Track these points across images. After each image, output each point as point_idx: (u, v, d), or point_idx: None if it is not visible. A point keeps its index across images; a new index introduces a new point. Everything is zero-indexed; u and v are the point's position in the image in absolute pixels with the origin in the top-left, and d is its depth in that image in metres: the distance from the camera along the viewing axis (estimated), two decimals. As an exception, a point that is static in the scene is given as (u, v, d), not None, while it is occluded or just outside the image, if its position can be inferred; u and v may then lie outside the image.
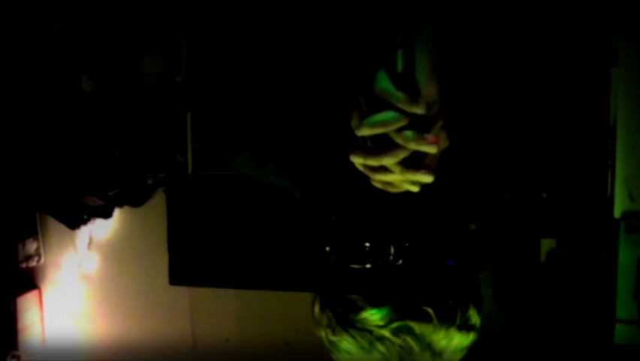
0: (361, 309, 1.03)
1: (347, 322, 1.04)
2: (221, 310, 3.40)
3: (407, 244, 1.05)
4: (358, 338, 1.03)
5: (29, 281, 3.55)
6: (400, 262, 1.04)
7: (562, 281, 2.64)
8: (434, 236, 1.08)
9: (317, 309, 1.11)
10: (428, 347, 1.02)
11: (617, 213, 2.28)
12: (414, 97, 0.86)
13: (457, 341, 1.05)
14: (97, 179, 3.18)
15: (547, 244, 2.63)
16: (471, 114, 1.01)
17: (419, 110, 0.86)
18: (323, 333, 1.09)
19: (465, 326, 1.06)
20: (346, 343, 1.05)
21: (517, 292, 2.73)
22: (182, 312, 3.43)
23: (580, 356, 2.71)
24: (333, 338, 1.06)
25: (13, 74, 3.16)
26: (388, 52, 0.87)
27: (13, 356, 3.35)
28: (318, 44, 1.10)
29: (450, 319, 1.03)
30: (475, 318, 1.08)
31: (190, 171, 3.13)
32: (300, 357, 3.18)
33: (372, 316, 1.02)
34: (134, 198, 3.32)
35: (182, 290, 3.37)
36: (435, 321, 1.02)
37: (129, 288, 3.50)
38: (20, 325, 3.40)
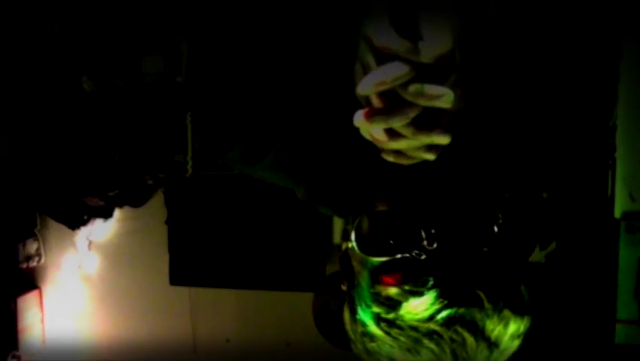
0: (401, 303, 0.90)
1: (386, 321, 0.91)
2: (221, 311, 3.40)
3: (435, 229, 0.93)
4: (402, 338, 0.90)
5: (30, 281, 3.55)
6: (435, 245, 0.92)
7: (562, 281, 2.64)
8: (465, 215, 0.98)
9: (348, 318, 0.99)
10: (483, 336, 0.91)
11: (617, 214, 2.27)
12: (418, 44, 0.74)
13: (512, 326, 0.96)
14: (97, 179, 3.18)
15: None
16: (472, 114, 1.00)
17: (425, 59, 0.75)
18: (359, 345, 0.96)
19: (519, 309, 0.96)
20: (388, 347, 0.92)
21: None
22: (182, 312, 3.43)
23: (580, 356, 2.71)
24: (372, 346, 0.93)
25: (14, 74, 3.16)
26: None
27: (14, 356, 3.35)
28: (320, 40, 1.08)
29: (502, 301, 0.92)
30: (527, 297, 0.98)
31: (190, 171, 3.12)
32: (300, 357, 3.18)
33: (416, 308, 0.89)
34: (134, 199, 3.32)
35: (182, 290, 3.37)
36: (487, 305, 0.90)
37: (129, 288, 3.50)
38: (21, 325, 3.40)
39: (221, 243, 3.16)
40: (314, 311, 3.01)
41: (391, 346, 0.91)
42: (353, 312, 0.96)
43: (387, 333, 0.91)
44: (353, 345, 0.97)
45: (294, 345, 3.25)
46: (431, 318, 0.89)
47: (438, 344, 0.89)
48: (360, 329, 0.94)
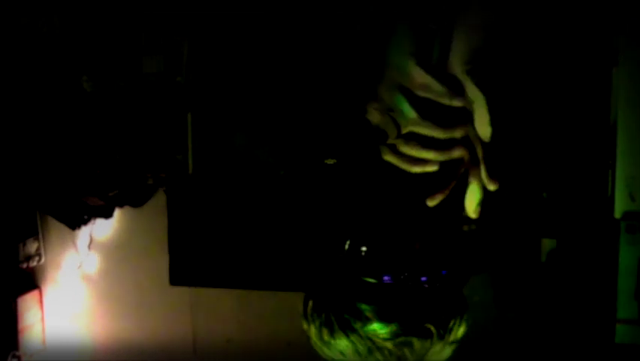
0: (370, 320, 1.05)
1: (350, 328, 1.06)
2: (222, 311, 3.40)
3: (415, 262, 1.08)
4: (358, 344, 1.06)
5: (30, 281, 3.55)
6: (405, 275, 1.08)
7: (562, 281, 2.64)
8: (431, 244, 1.12)
9: (311, 305, 1.13)
10: (421, 359, 1.07)
11: (617, 214, 2.28)
12: (453, 89, 0.83)
13: (446, 353, 1.11)
14: (97, 179, 3.18)
15: (547, 244, 2.63)
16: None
17: (458, 103, 0.84)
18: (314, 330, 1.10)
19: (455, 341, 1.12)
20: (344, 345, 1.07)
21: (518, 292, 2.73)
22: (182, 312, 3.43)
23: (580, 356, 2.72)
24: (329, 338, 1.08)
25: (14, 74, 3.16)
26: (420, 41, 0.84)
27: (14, 356, 3.35)
28: (320, 40, 1.10)
29: (446, 335, 1.09)
30: (462, 331, 1.13)
31: (191, 171, 3.13)
32: (301, 357, 3.17)
33: (381, 329, 1.05)
34: (134, 198, 3.32)
35: (182, 290, 3.37)
36: (435, 338, 1.07)
37: (130, 288, 3.50)
38: (21, 325, 3.40)
39: (221, 243, 3.16)
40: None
41: (346, 346, 1.06)
42: (321, 305, 1.11)
43: (347, 336, 1.07)
44: (305, 325, 1.12)
45: (295, 345, 3.25)
46: (389, 339, 1.05)
47: (385, 358, 1.06)
48: (322, 320, 1.09)
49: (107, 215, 3.41)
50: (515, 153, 1.31)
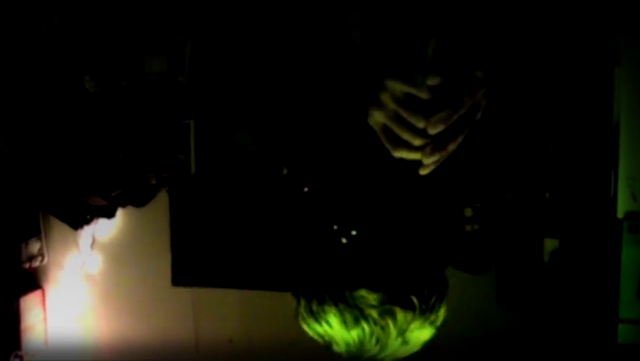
0: (359, 287, 1.09)
1: (340, 296, 1.10)
2: (224, 311, 3.41)
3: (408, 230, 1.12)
4: (346, 313, 1.09)
5: (32, 281, 3.55)
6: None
7: (565, 281, 2.64)
8: (422, 225, 1.15)
9: (300, 278, 1.17)
10: (402, 333, 1.10)
11: (620, 214, 2.28)
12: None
13: (425, 333, 1.14)
14: (100, 179, 3.18)
15: (550, 244, 2.63)
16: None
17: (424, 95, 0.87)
18: (303, 302, 1.15)
19: (435, 322, 1.15)
20: (331, 315, 1.11)
21: (521, 291, 2.73)
22: (185, 312, 3.43)
23: (583, 356, 2.72)
24: (317, 309, 1.12)
25: (16, 74, 3.17)
26: (420, 39, 0.87)
27: (16, 356, 3.35)
28: (321, 41, 1.11)
29: (428, 312, 1.12)
30: (441, 318, 1.17)
31: (193, 171, 3.13)
32: (303, 357, 3.17)
33: (369, 295, 1.08)
34: (137, 199, 3.33)
35: (185, 291, 3.38)
36: (417, 311, 1.10)
37: (132, 288, 3.50)
38: (23, 325, 3.40)
39: (224, 243, 3.16)
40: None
41: (334, 315, 1.10)
42: (311, 276, 1.15)
43: (336, 305, 1.10)
44: (294, 299, 1.18)
45: (297, 345, 3.25)
46: (375, 306, 1.08)
47: (370, 327, 1.09)
48: (312, 291, 1.14)
49: (110, 215, 3.42)
50: (518, 154, 1.31)
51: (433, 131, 0.89)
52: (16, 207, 3.36)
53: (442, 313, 1.16)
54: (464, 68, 0.88)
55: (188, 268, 3.26)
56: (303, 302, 1.15)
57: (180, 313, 3.45)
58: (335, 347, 1.14)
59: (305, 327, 1.17)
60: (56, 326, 3.59)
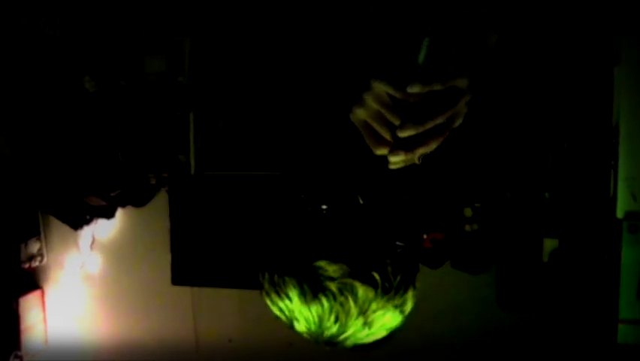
0: (319, 258, 1.09)
1: (300, 267, 1.10)
2: (223, 311, 3.41)
3: (366, 198, 1.13)
4: (305, 285, 1.09)
5: (32, 281, 3.55)
6: (362, 201, 1.11)
7: (564, 281, 2.64)
8: (390, 211, 1.16)
9: (270, 253, 1.19)
10: (364, 313, 1.08)
11: (619, 214, 2.27)
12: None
13: (388, 317, 1.11)
14: (99, 179, 3.18)
15: (550, 244, 2.63)
16: (475, 115, 1.02)
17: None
18: (267, 275, 1.16)
19: (400, 307, 1.12)
20: (291, 287, 1.11)
21: (520, 291, 2.73)
22: (184, 312, 3.43)
23: (582, 356, 2.72)
24: (279, 281, 1.13)
25: (16, 74, 3.16)
26: (414, 41, 0.88)
27: (16, 356, 3.35)
28: (321, 40, 1.11)
29: (391, 293, 1.10)
30: (410, 305, 1.14)
31: (193, 171, 3.13)
32: (303, 357, 3.17)
33: (329, 266, 1.07)
34: (136, 199, 3.33)
35: (184, 290, 3.38)
36: (379, 290, 1.08)
37: (132, 288, 3.50)
38: (23, 325, 3.40)
39: (223, 243, 3.16)
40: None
41: (294, 286, 1.10)
42: (278, 249, 1.18)
43: (295, 276, 1.11)
44: (261, 278, 1.19)
45: (297, 345, 3.25)
46: (334, 279, 1.07)
47: (329, 302, 1.07)
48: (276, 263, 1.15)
49: (109, 215, 3.42)
50: (517, 154, 1.31)
51: (401, 134, 0.89)
52: (16, 208, 3.36)
53: (409, 298, 1.14)
54: (448, 76, 0.88)
55: (188, 267, 3.26)
56: (266, 276, 1.17)
57: (180, 313, 3.45)
58: (296, 325, 1.13)
59: (268, 303, 1.17)
60: (56, 326, 3.59)
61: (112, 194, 3.25)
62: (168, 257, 3.26)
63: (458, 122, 0.93)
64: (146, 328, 3.50)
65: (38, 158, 3.23)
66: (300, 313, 1.10)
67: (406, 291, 1.12)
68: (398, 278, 1.11)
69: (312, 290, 1.08)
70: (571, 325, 2.74)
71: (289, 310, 1.12)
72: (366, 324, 1.09)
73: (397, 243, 1.14)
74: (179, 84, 3.05)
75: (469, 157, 1.15)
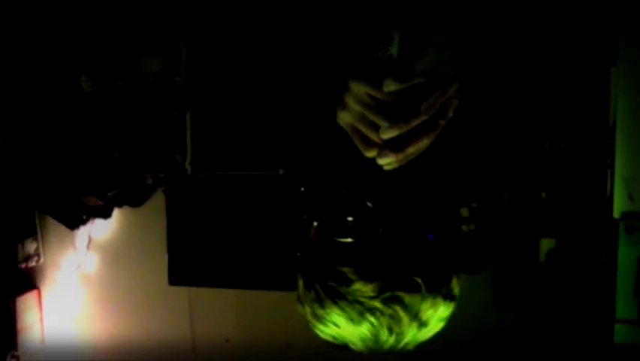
0: (352, 281, 1.06)
1: (337, 294, 1.06)
2: (220, 311, 3.40)
3: (388, 217, 1.08)
4: (348, 309, 1.06)
5: (28, 281, 3.55)
6: (381, 229, 1.08)
7: (561, 281, 2.64)
8: (415, 210, 1.12)
9: (301, 284, 1.13)
10: (416, 316, 1.06)
11: (616, 214, 2.27)
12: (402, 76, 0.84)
13: (441, 310, 1.10)
14: (96, 179, 3.18)
15: (546, 244, 2.63)
16: (472, 114, 1.01)
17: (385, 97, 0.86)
18: (308, 309, 1.11)
19: (449, 296, 1.10)
20: (335, 315, 1.07)
21: (517, 292, 2.73)
22: (181, 312, 3.43)
23: (579, 356, 2.72)
24: (321, 312, 1.08)
25: (13, 74, 3.16)
26: (385, 36, 0.85)
27: (13, 356, 3.35)
28: (316, 40, 1.11)
29: (437, 288, 1.08)
30: (456, 289, 1.13)
31: (189, 171, 3.12)
32: (300, 357, 3.18)
33: (364, 287, 1.05)
34: (133, 199, 3.32)
35: (181, 290, 3.37)
36: (424, 291, 1.06)
37: (128, 288, 3.50)
38: (20, 325, 3.40)
39: (220, 243, 3.16)
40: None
41: (338, 315, 1.07)
42: (308, 281, 1.11)
43: (337, 304, 1.07)
44: (300, 307, 1.13)
45: (294, 345, 3.26)
46: (375, 297, 1.05)
47: (377, 319, 1.05)
48: (312, 296, 1.10)
49: (106, 215, 3.41)
50: (514, 152, 1.31)
51: (384, 136, 0.88)
52: (13, 208, 3.36)
53: (454, 284, 1.12)
54: (428, 66, 0.85)
55: (185, 267, 3.26)
56: (307, 309, 1.12)
57: (177, 313, 3.44)
58: (353, 347, 1.10)
59: (317, 333, 1.13)
60: (53, 326, 3.59)
61: (109, 194, 3.25)
62: (165, 257, 3.25)
63: (450, 113, 0.91)
64: (143, 328, 3.50)
65: (35, 157, 3.23)
66: (352, 335, 1.08)
67: (449, 280, 1.11)
68: (438, 272, 1.09)
69: (357, 311, 1.06)
70: (568, 325, 2.75)
71: (341, 336, 1.09)
72: (422, 325, 1.08)
73: (428, 235, 1.12)
74: (176, 84, 3.05)
75: (466, 157, 1.15)
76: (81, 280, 3.56)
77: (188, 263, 3.24)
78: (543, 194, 2.48)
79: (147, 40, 3.06)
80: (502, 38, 0.98)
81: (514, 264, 2.69)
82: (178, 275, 3.27)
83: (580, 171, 2.45)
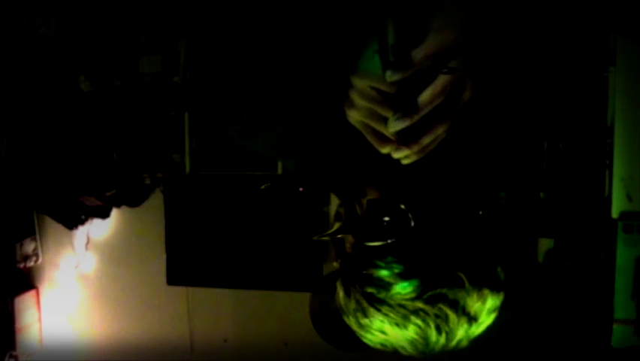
0: (391, 285, 1.01)
1: (378, 300, 1.02)
2: (219, 310, 3.40)
3: (422, 211, 1.03)
4: (392, 314, 1.01)
5: (27, 281, 3.55)
6: (413, 224, 1.02)
7: (559, 281, 2.64)
8: (446, 203, 1.06)
9: (342, 294, 1.08)
10: (463, 311, 1.01)
11: (614, 214, 2.27)
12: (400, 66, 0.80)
13: (490, 302, 1.05)
14: (95, 179, 3.18)
15: (545, 244, 2.63)
16: (470, 113, 1.00)
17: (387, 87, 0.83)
18: (352, 319, 1.06)
19: (495, 286, 1.05)
20: (379, 322, 1.02)
21: (515, 291, 2.73)
22: (180, 312, 3.43)
23: (577, 356, 2.72)
24: (365, 321, 1.04)
25: (11, 74, 3.16)
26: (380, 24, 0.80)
27: (11, 356, 3.35)
28: (316, 40, 1.09)
29: (481, 280, 1.03)
30: (502, 275, 1.07)
31: (188, 171, 3.12)
32: (298, 357, 3.18)
33: (405, 289, 1.00)
34: (131, 198, 3.32)
35: (179, 290, 3.37)
36: (467, 284, 1.01)
37: (127, 288, 3.50)
38: (18, 325, 3.39)
39: (218, 243, 3.16)
40: (311, 311, 3.01)
41: (382, 321, 1.02)
42: (347, 290, 1.06)
43: (379, 310, 1.01)
44: (346, 318, 1.08)
45: (292, 345, 3.25)
46: (417, 297, 1.00)
47: (424, 320, 1.00)
48: (353, 305, 1.05)
49: (105, 215, 3.41)
50: (512, 152, 1.31)
51: (392, 129, 0.84)
52: (11, 207, 3.35)
53: (499, 273, 1.07)
54: (430, 52, 0.81)
55: (183, 267, 3.26)
56: (352, 319, 1.07)
57: (175, 313, 3.44)
58: (404, 352, 1.05)
59: (367, 343, 1.08)
60: (51, 326, 3.59)
61: (107, 194, 3.25)
62: (163, 257, 3.25)
63: (467, 94, 0.86)
64: (141, 328, 3.49)
65: (34, 157, 3.23)
66: (401, 340, 1.03)
67: (493, 270, 1.06)
68: (480, 263, 1.04)
69: (401, 315, 1.01)
70: (566, 325, 2.75)
71: (390, 343, 1.04)
72: (471, 319, 1.03)
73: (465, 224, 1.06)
74: (175, 84, 3.05)
75: (463, 156, 1.13)
76: (79, 280, 3.56)
77: (187, 263, 3.24)
78: (541, 194, 2.48)
79: (145, 41, 3.06)
80: (501, 37, 0.97)
81: (512, 264, 2.69)
82: (176, 275, 3.27)
83: (578, 171, 2.46)
